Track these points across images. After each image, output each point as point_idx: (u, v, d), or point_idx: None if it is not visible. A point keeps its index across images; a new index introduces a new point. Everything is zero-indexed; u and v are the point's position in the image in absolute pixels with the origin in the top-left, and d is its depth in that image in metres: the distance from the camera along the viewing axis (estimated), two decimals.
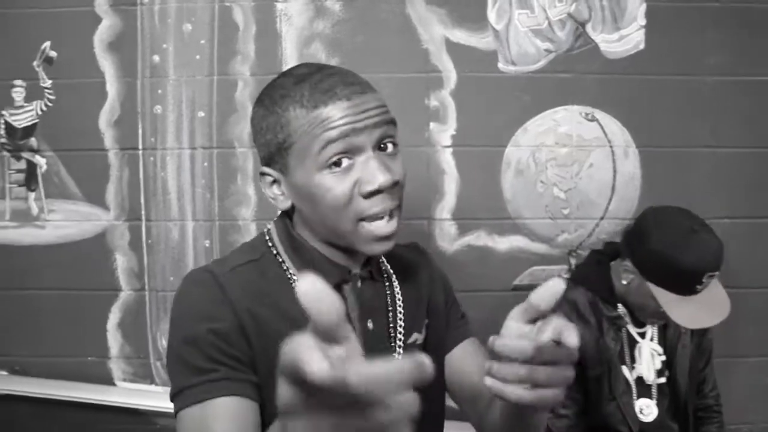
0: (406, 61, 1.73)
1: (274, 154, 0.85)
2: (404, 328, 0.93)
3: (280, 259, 0.91)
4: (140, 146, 1.80)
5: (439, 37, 1.72)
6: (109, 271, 1.83)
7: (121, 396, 1.83)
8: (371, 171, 0.81)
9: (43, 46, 1.79)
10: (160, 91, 1.78)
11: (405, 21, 1.72)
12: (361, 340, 0.77)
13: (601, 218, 1.75)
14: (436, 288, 1.04)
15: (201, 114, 1.78)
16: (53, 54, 1.80)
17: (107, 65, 1.78)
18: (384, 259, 0.98)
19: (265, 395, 0.81)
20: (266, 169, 0.87)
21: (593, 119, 1.73)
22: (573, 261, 1.76)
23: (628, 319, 1.47)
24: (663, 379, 1.48)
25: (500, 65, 1.72)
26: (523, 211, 1.75)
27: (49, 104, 1.81)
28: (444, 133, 1.74)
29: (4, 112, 1.82)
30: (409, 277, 1.00)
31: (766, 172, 1.75)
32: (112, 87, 1.79)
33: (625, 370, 1.46)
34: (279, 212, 0.94)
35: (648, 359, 1.45)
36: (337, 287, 0.88)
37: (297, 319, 0.72)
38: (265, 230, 0.95)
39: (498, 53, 1.72)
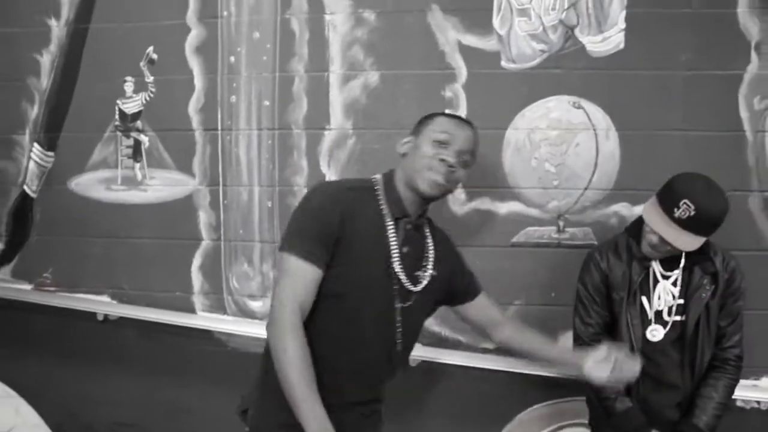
0: (427, 60, 2.21)
1: (416, 129, 1.62)
2: (432, 263, 1.61)
3: (378, 194, 1.56)
4: (219, 128, 2.37)
5: (453, 40, 2.19)
6: (194, 224, 2.41)
7: (201, 322, 2.42)
8: (447, 152, 1.53)
9: (147, 51, 2.39)
10: (234, 85, 2.34)
11: (426, 28, 2.20)
12: (399, 257, 1.52)
13: (585, 189, 2.17)
14: (450, 259, 1.70)
15: (266, 103, 2.33)
16: (155, 56, 2.39)
17: (195, 65, 2.36)
18: (429, 228, 1.65)
19: (333, 270, 1.46)
20: (410, 136, 1.63)
21: (579, 107, 2.15)
22: (561, 223, 2.19)
23: (657, 262, 1.83)
24: (679, 318, 1.83)
25: (503, 63, 2.18)
26: (519, 181, 2.20)
27: (152, 95, 2.41)
28: None
29: (118, 101, 2.43)
30: (443, 244, 1.67)
31: (729, 152, 2.12)
32: (198, 82, 2.37)
33: (644, 300, 1.84)
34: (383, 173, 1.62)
35: (662, 295, 1.83)
36: (397, 220, 1.54)
37: (375, 229, 1.51)
38: (372, 178, 1.62)
39: (501, 53, 2.17)
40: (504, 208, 2.22)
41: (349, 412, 1.53)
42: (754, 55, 2.09)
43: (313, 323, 1.45)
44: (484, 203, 2.22)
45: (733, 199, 2.08)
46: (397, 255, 1.51)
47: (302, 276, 1.43)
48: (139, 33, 2.39)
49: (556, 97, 2.16)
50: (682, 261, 1.81)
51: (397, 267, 1.51)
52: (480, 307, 1.77)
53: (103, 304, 2.50)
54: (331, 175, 2.30)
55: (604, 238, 2.13)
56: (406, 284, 1.53)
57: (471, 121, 1.65)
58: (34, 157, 2.54)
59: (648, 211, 1.75)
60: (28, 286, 2.59)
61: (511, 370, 2.24)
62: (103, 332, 2.50)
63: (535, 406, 2.31)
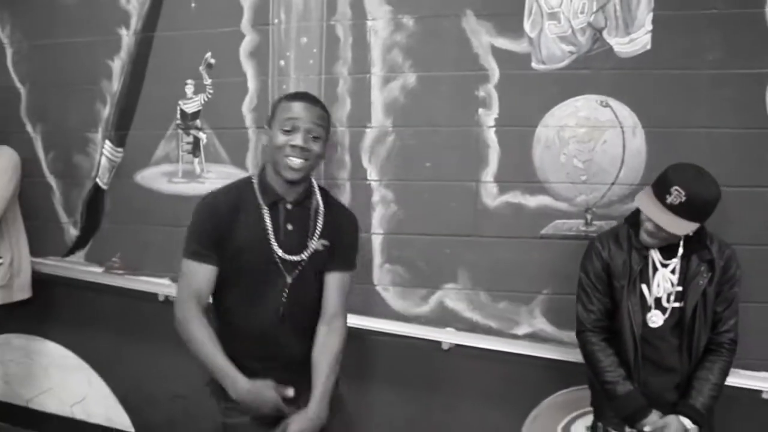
0: (461, 62, 2.38)
1: (270, 120, 1.91)
2: (316, 236, 1.91)
3: (254, 188, 1.88)
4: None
5: (486, 43, 2.35)
6: None
7: None
8: (296, 136, 1.82)
9: (206, 56, 2.65)
10: (284, 87, 2.57)
11: (460, 32, 2.37)
12: (282, 235, 1.85)
13: (612, 184, 2.29)
14: (344, 234, 1.98)
15: None
16: (213, 61, 2.65)
17: (248, 68, 2.61)
18: (320, 202, 1.93)
19: (222, 260, 1.84)
20: (266, 126, 1.93)
21: (607, 105, 2.28)
22: (589, 217, 2.33)
23: (656, 251, 1.97)
24: (678, 304, 1.96)
25: (533, 64, 2.33)
26: (549, 176, 2.34)
27: (210, 96, 2.66)
28: (489, 117, 2.38)
29: (179, 102, 2.70)
30: (332, 218, 1.94)
31: (755, 150, 2.20)
32: (251, 84, 2.61)
33: (644, 288, 1.98)
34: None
35: (660, 282, 1.96)
36: (274, 204, 1.86)
37: (254, 217, 1.85)
38: (251, 174, 1.96)
39: (531, 55, 2.33)
40: (534, 201, 2.37)
41: (274, 371, 1.83)
42: None
43: (223, 303, 1.90)
44: (515, 197, 2.38)
45: (758, 195, 2.21)
46: (273, 237, 1.84)
47: (194, 273, 1.82)
48: (198, 40, 2.65)
49: (584, 97, 2.30)
50: (680, 249, 1.93)
51: (275, 246, 1.84)
52: (327, 284, 1.94)
53: (164, 286, 2.78)
54: (372, 170, 2.50)
55: None
56: (288, 259, 1.85)
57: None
58: (106, 152, 2.85)
59: (642, 199, 1.90)
60: (99, 269, 2.91)
61: (540, 355, 2.39)
62: (164, 312, 2.73)
63: (563, 391, 2.44)
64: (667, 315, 1.96)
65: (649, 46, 2.24)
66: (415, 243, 2.49)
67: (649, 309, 1.97)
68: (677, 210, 1.82)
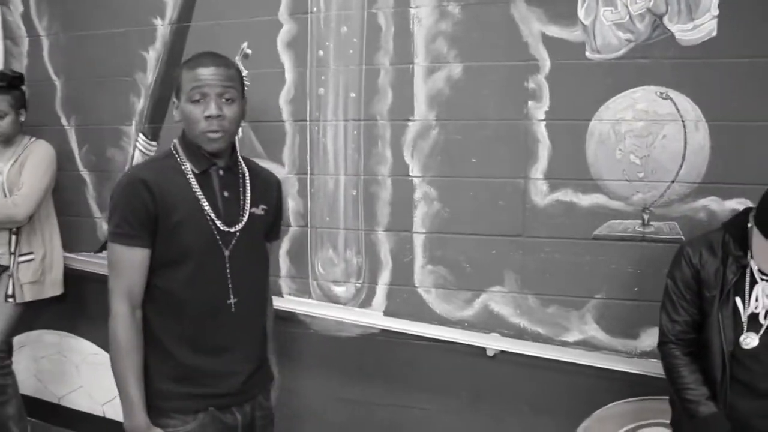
0: (510, 52, 2.44)
1: (176, 91, 1.83)
2: (250, 201, 1.91)
3: (178, 157, 1.84)
4: (308, 119, 2.71)
5: (537, 31, 2.40)
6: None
7: (287, 304, 2.77)
8: (208, 105, 1.77)
9: (242, 46, 2.76)
10: (323, 78, 2.68)
11: (509, 20, 2.42)
12: (220, 203, 1.84)
13: (672, 182, 2.31)
14: (274, 198, 2.05)
15: (352, 95, 2.65)
16: (249, 51, 2.76)
17: (286, 59, 2.72)
18: (243, 166, 1.96)
19: (157, 240, 1.76)
20: (174, 99, 1.86)
21: (667, 97, 2.30)
22: (646, 217, 2.35)
23: (752, 261, 1.92)
24: None
25: (587, 54, 2.36)
26: (603, 173, 2.38)
27: (246, 88, 2.75)
28: (539, 110, 2.43)
29: None
30: (260, 180, 2.00)
31: None
32: (289, 75, 2.72)
33: (738, 300, 1.93)
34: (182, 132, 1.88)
35: (760, 297, 1.90)
36: (206, 172, 1.83)
37: (183, 188, 1.80)
38: (172, 145, 1.89)
39: (585, 44, 2.36)
40: (587, 200, 2.40)
41: (223, 364, 1.85)
42: None
43: (161, 287, 1.79)
44: (566, 195, 2.42)
45: None
46: (206, 203, 1.81)
47: (128, 262, 1.74)
48: (234, 30, 2.78)
49: (642, 88, 2.32)
50: None
51: (213, 217, 1.81)
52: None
53: None
54: (414, 166, 2.58)
55: (691, 233, 2.27)
56: (223, 228, 1.82)
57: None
58: (139, 146, 3.00)
59: (756, 245, 1.86)
60: None
61: (592, 364, 2.44)
62: None
63: (615, 403, 2.48)
64: (761, 333, 1.89)
65: (714, 33, 2.24)
66: (459, 243, 2.56)
67: (742, 326, 1.92)
68: None
